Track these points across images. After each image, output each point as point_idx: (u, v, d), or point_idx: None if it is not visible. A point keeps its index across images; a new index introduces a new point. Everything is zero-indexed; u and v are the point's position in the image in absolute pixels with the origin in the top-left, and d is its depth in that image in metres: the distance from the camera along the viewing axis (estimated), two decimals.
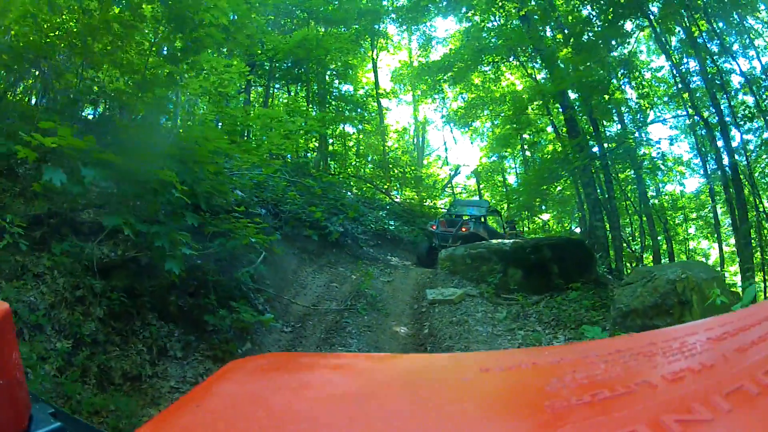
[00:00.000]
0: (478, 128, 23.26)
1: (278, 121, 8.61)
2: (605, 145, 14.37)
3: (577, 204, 17.40)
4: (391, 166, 19.81)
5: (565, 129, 15.16)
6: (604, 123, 15.56)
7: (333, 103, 18.39)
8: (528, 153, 23.06)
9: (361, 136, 21.47)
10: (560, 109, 14.36)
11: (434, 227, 11.38)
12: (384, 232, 12.83)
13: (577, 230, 18.06)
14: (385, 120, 21.87)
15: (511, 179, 26.04)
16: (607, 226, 13.65)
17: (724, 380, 0.42)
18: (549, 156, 19.37)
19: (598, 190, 13.72)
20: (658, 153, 16.62)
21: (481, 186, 25.68)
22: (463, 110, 20.90)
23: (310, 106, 17.49)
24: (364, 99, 20.11)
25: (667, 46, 13.53)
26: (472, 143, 26.14)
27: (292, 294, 7.22)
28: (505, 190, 25.22)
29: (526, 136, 21.68)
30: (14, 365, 0.57)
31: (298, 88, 19.13)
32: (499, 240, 10.01)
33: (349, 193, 14.57)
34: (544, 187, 14.56)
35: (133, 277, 4.60)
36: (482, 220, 12.49)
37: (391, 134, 22.70)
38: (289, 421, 0.48)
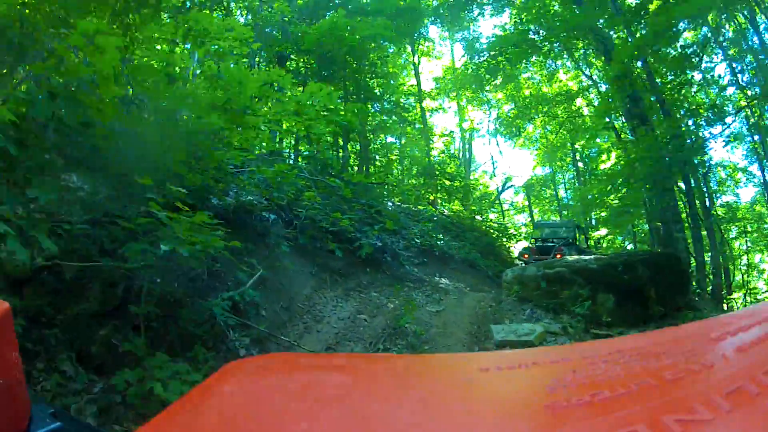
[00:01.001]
0: (529, 134, 21.64)
1: (283, 94, 7.02)
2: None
3: (644, 215, 15.44)
4: (437, 173, 17.72)
5: (623, 133, 14.02)
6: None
7: (371, 104, 16.35)
8: (581, 164, 21.97)
9: (402, 141, 19.76)
10: (627, 105, 12.65)
11: (526, 256, 10.41)
12: (431, 249, 10.61)
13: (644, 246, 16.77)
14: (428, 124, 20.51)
15: (562, 194, 24.90)
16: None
17: (724, 380, 0.42)
18: (608, 166, 18.24)
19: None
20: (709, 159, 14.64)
21: (531, 201, 24.58)
22: (514, 112, 19.35)
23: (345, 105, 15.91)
24: (405, 100, 18.39)
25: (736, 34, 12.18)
26: (524, 149, 23.24)
27: (299, 332, 5.14)
28: (558, 205, 23.86)
29: (578, 146, 20.84)
30: (14, 365, 0.57)
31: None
32: (577, 257, 8.31)
33: (389, 203, 12.45)
34: (612, 197, 13.20)
35: (50, 295, 3.09)
36: (573, 242, 11.53)
37: (437, 140, 20.75)
38: (288, 421, 0.48)
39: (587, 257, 7.81)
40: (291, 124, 7.12)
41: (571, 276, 6.62)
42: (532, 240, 12.07)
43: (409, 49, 19.40)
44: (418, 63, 20.26)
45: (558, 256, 9.56)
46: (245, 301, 4.54)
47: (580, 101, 18.30)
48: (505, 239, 16.20)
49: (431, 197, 16.55)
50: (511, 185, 24.37)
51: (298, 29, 13.86)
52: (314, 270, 6.72)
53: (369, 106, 15.40)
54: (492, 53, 15.97)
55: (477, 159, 26.30)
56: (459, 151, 23.72)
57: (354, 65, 14.85)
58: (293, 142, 14.56)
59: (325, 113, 6.66)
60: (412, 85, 19.80)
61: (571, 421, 0.39)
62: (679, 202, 12.29)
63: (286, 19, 14.10)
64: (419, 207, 14.59)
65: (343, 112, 7.83)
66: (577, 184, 22.55)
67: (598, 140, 20.20)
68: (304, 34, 13.58)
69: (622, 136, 15.66)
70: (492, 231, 16.25)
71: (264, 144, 8.56)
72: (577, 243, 12.12)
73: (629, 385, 0.44)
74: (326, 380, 0.62)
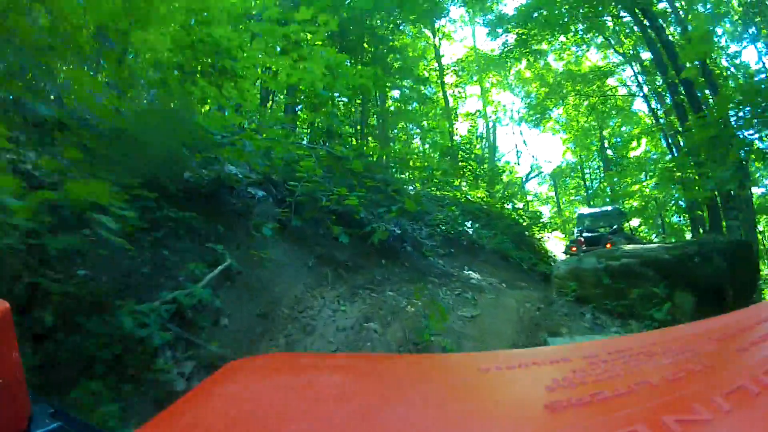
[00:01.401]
0: (558, 117, 20.16)
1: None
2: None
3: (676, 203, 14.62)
4: (460, 157, 16.35)
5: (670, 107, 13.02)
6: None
7: (390, 87, 15.10)
8: (609, 152, 20.66)
9: (423, 124, 18.27)
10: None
11: (574, 249, 9.68)
12: (458, 238, 9.24)
13: (688, 236, 15.56)
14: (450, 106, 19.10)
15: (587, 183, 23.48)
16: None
17: (724, 380, 0.42)
18: (639, 153, 17.64)
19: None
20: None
21: (558, 190, 23.35)
22: (543, 92, 18.04)
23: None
24: (426, 84, 16.92)
25: None
26: (551, 134, 21.80)
27: (278, 349, 3.65)
28: (586, 194, 22.21)
29: (606, 133, 19.89)
30: (14, 365, 0.57)
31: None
32: (643, 246, 7.00)
33: (410, 188, 11.13)
34: (647, 183, 13.06)
35: None
36: (621, 230, 10.78)
37: (460, 122, 19.27)
38: (289, 421, 0.48)
39: (653, 245, 6.59)
40: (284, 76, 6.00)
41: (641, 269, 5.35)
42: (576, 231, 11.22)
43: (428, 33, 18.53)
44: (439, 45, 19.06)
45: (609, 245, 8.77)
46: (198, 306, 3.22)
47: (612, 81, 17.27)
48: (537, 229, 14.83)
49: (456, 181, 15.09)
50: (539, 172, 22.87)
51: None
52: (311, 262, 5.22)
53: (388, 87, 14.44)
54: (517, 29, 14.88)
55: (500, 148, 24.70)
56: (483, 137, 22.14)
57: (368, 36, 13.68)
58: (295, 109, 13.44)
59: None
60: (433, 68, 18.86)
61: (571, 421, 0.39)
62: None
63: None
64: (443, 192, 13.06)
65: (355, 76, 6.97)
66: (603, 173, 21.42)
67: (624, 128, 19.56)
68: None
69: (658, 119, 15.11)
70: (523, 220, 14.61)
71: (250, 104, 7.12)
72: (626, 232, 11.36)
73: (629, 385, 0.44)
74: (326, 380, 0.62)
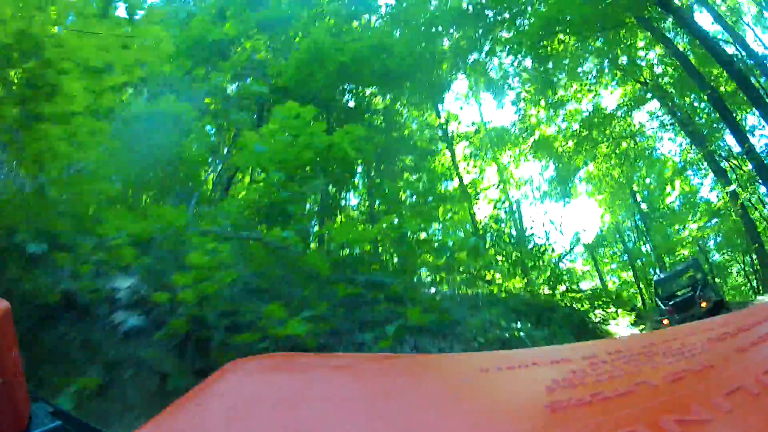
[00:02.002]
0: (588, 175, 18.00)
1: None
2: None
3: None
4: (489, 243, 13.88)
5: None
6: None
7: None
8: (644, 206, 18.99)
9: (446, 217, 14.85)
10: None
11: (666, 321, 8.82)
12: (505, 347, 7.25)
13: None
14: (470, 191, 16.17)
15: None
16: None
17: (724, 380, 0.42)
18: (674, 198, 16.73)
19: None
20: None
21: (597, 260, 20.35)
22: (569, 151, 16.10)
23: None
24: (431, 151, 15.04)
25: None
26: (589, 198, 19.17)
27: None
28: (628, 258, 19.88)
29: (636, 187, 18.28)
30: (14, 364, 0.57)
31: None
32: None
33: (429, 290, 9.10)
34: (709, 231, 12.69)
35: None
36: (707, 283, 9.97)
37: (481, 203, 16.25)
38: (289, 421, 0.48)
39: None
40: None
41: None
42: (658, 301, 10.04)
43: (428, 113, 16.43)
44: (446, 125, 16.60)
45: (703, 304, 8.49)
46: None
47: (640, 117, 15.82)
48: (602, 310, 11.92)
49: (488, 274, 12.40)
50: (577, 244, 19.66)
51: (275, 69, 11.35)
52: None
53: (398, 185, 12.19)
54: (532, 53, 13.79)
55: (529, 229, 20.55)
56: (507, 216, 18.77)
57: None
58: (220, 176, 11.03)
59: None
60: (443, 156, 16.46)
61: (571, 421, 0.39)
62: None
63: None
64: (474, 290, 10.85)
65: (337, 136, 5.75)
66: (644, 228, 19.51)
67: (650, 178, 18.37)
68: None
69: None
70: (581, 304, 11.86)
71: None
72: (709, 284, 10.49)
73: (629, 385, 0.44)
74: (326, 380, 0.62)
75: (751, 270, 17.23)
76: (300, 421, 0.47)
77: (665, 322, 8.84)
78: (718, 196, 16.37)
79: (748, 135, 12.70)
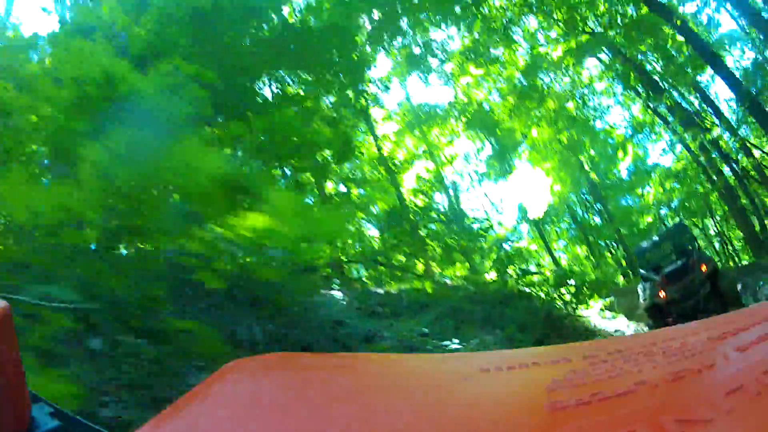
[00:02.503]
0: (534, 142, 16.24)
1: None
2: None
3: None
4: (422, 229, 12.01)
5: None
6: None
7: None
8: (594, 176, 17.12)
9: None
10: None
11: (662, 294, 7.43)
12: None
13: None
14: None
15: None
16: None
17: (724, 380, 0.42)
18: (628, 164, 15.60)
19: None
20: None
21: (546, 237, 18.36)
22: (507, 111, 14.51)
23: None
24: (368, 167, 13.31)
25: None
26: (533, 167, 16.57)
27: None
28: (581, 232, 17.98)
29: (584, 158, 16.60)
30: (14, 364, 0.57)
31: None
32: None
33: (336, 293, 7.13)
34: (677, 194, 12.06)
35: None
36: (697, 247, 8.97)
37: (409, 193, 14.64)
38: (289, 421, 0.48)
39: None
40: None
41: None
42: (644, 273, 8.60)
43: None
44: (367, 108, 14.30)
45: (704, 267, 7.43)
46: None
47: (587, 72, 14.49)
48: (571, 296, 9.74)
49: (419, 264, 10.50)
50: (526, 220, 17.99)
51: None
52: None
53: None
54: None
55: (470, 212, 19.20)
56: (446, 199, 17.48)
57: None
58: None
59: None
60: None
61: (571, 421, 0.39)
62: None
63: None
64: (397, 285, 8.93)
65: None
66: (594, 202, 17.68)
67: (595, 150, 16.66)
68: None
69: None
70: (542, 290, 9.77)
71: None
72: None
73: (629, 385, 0.44)
74: (327, 380, 0.62)
75: (719, 232, 16.44)
76: (300, 421, 0.47)
77: (661, 294, 7.51)
78: (675, 157, 15.78)
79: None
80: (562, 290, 9.59)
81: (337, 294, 7.07)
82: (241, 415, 0.50)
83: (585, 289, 10.23)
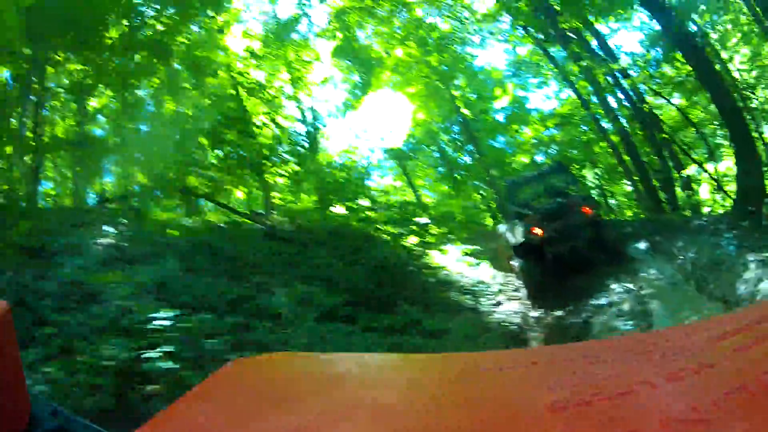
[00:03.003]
0: (385, 65, 13.79)
1: None
2: None
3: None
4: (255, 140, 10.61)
5: None
6: None
7: None
8: (466, 110, 14.94)
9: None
10: None
11: (537, 230, 6.47)
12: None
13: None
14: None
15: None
16: None
17: (724, 380, 0.42)
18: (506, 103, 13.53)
19: None
20: None
21: (408, 172, 16.11)
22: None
23: None
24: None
25: None
26: (394, 90, 14.68)
27: None
28: (448, 169, 15.81)
29: (457, 94, 14.70)
30: (14, 364, 0.57)
31: None
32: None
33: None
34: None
35: None
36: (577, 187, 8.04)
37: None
38: (289, 420, 0.48)
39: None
40: None
41: None
42: (515, 210, 7.38)
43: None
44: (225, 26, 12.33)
45: (587, 210, 6.60)
46: None
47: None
48: (417, 237, 7.90)
49: (233, 189, 8.65)
50: (388, 150, 15.59)
51: None
52: None
53: None
54: None
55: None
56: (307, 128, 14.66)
57: None
58: None
59: None
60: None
61: (571, 421, 0.39)
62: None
63: None
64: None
65: None
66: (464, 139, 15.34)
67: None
68: None
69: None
70: (384, 229, 7.83)
71: None
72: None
73: (629, 385, 0.44)
74: (326, 380, 0.62)
75: (599, 185, 14.92)
76: (300, 421, 0.47)
77: (536, 231, 6.45)
78: (560, 103, 14.27)
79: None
80: (410, 233, 7.88)
81: None
82: (241, 414, 0.50)
83: (440, 228, 8.61)
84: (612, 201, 15.38)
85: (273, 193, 11.46)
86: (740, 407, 0.37)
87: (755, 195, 7.09)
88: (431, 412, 0.47)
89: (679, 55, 9.79)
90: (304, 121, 15.11)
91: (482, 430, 0.42)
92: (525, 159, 14.76)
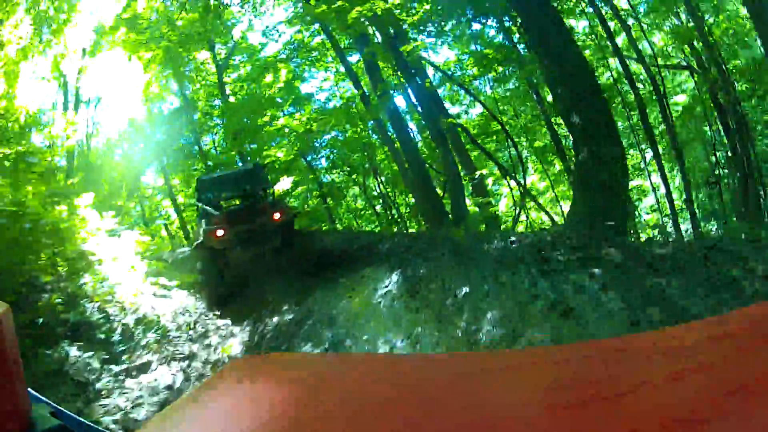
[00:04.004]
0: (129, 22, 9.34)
1: None
2: None
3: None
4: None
5: None
6: None
7: None
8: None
9: None
10: None
11: (220, 233, 5.88)
12: None
13: None
14: None
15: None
16: None
17: (724, 380, 0.42)
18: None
19: None
20: None
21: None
22: None
23: None
24: None
25: None
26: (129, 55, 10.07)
27: None
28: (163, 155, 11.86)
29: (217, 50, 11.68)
30: (14, 364, 0.57)
31: None
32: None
33: None
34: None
35: None
36: (273, 194, 7.71)
37: None
38: (289, 420, 0.48)
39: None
40: None
41: None
42: (201, 207, 6.89)
43: None
44: None
45: (277, 215, 6.17)
46: None
47: None
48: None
49: None
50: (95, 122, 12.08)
51: None
52: None
53: None
54: None
55: None
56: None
57: None
58: None
59: None
60: None
61: (571, 421, 0.39)
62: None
63: None
64: None
65: None
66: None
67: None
68: None
69: None
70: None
71: None
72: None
73: (629, 385, 0.44)
74: (326, 380, 0.62)
75: (382, 193, 12.67)
76: (300, 421, 0.47)
77: (219, 234, 5.90)
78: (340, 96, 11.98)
79: None
80: None
81: None
82: (240, 414, 0.50)
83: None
84: (396, 212, 12.99)
85: None
86: (740, 407, 0.37)
87: None
88: (431, 411, 0.47)
89: None
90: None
91: (483, 429, 0.42)
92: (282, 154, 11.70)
